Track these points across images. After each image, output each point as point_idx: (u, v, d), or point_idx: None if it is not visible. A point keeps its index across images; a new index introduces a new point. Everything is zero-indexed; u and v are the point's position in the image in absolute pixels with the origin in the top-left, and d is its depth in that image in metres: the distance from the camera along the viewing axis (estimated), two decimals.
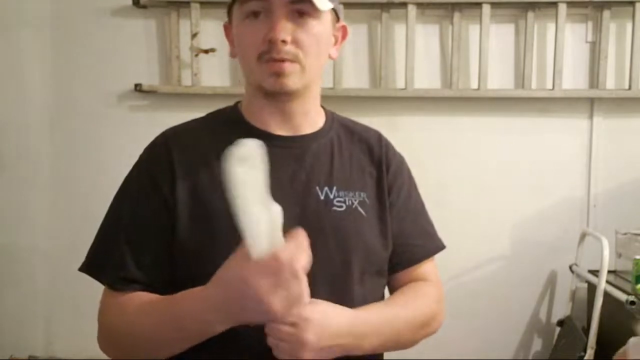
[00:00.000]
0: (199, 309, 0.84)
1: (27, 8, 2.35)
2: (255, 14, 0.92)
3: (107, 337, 0.95)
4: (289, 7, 0.91)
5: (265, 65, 0.92)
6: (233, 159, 0.77)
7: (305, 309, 0.82)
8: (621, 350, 1.36)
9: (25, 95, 2.38)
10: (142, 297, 0.91)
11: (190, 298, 0.86)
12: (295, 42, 0.91)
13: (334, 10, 0.98)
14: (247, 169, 0.77)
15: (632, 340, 1.34)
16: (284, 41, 0.90)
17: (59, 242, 2.31)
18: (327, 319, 0.85)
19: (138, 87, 2.30)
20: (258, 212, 0.77)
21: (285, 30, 0.90)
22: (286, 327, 0.81)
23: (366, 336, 0.90)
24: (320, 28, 0.94)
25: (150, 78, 2.34)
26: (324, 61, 0.99)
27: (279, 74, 0.92)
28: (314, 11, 0.91)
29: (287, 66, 0.92)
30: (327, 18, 0.96)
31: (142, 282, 0.93)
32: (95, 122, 2.35)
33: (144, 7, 2.31)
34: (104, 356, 0.97)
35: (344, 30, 1.03)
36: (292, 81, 0.93)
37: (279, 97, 0.96)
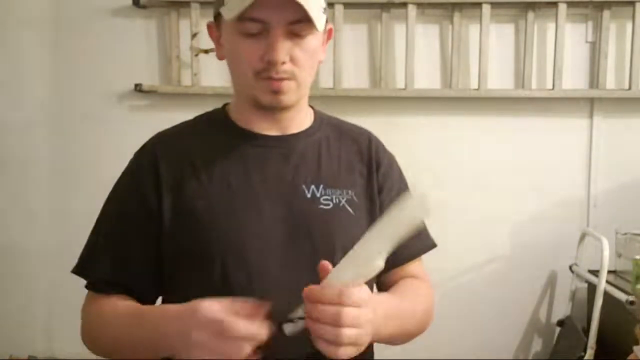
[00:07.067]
0: (154, 325, 0.85)
1: (27, 8, 2.35)
2: (252, 33, 0.91)
3: (85, 333, 0.99)
4: (287, 27, 0.90)
5: (262, 82, 0.92)
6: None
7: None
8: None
9: (25, 95, 2.38)
10: (115, 303, 0.94)
11: (157, 311, 0.88)
12: (293, 60, 0.92)
13: None
14: None
15: None
16: (283, 62, 0.90)
17: (59, 242, 2.31)
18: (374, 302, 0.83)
19: (138, 87, 2.30)
20: None
21: (284, 51, 0.90)
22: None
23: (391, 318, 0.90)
24: (315, 42, 0.94)
25: (150, 78, 2.34)
26: (316, 68, 1.00)
27: (277, 92, 0.93)
28: (311, 29, 0.91)
29: (285, 84, 0.92)
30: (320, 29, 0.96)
31: (123, 286, 0.96)
32: (95, 122, 2.35)
33: (144, 7, 2.31)
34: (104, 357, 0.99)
35: (330, 31, 1.03)
36: (289, 97, 0.94)
37: (274, 110, 0.97)
